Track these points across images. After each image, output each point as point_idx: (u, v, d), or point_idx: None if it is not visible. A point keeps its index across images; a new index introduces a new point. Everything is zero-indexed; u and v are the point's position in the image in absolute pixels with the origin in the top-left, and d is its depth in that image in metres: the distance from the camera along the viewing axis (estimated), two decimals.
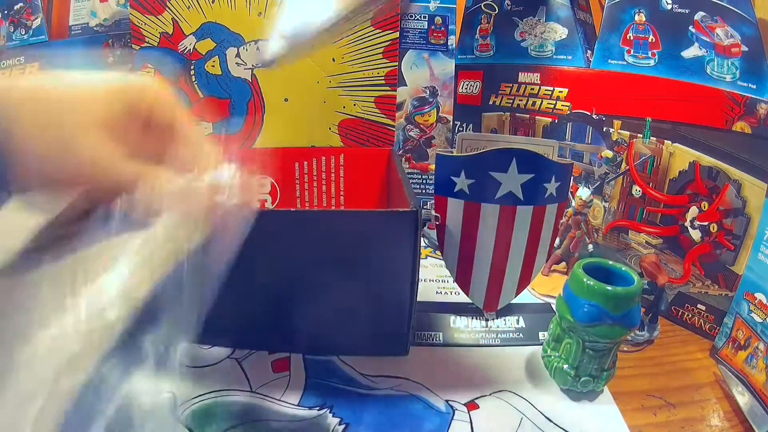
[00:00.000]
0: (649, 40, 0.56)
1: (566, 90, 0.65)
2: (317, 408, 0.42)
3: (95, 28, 0.73)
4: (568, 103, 0.65)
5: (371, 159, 0.71)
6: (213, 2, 0.63)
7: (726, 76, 0.51)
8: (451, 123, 0.78)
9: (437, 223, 0.50)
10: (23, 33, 0.64)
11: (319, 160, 0.72)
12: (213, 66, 0.66)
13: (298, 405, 0.43)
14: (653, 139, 0.57)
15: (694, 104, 0.53)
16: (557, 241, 0.65)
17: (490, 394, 0.44)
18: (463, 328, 0.52)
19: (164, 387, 0.44)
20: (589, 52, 0.63)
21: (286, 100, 0.69)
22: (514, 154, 0.45)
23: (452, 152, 0.49)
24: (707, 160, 0.52)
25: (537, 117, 0.68)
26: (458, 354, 0.50)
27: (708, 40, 0.52)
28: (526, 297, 0.58)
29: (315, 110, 0.69)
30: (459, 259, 0.51)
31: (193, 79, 0.67)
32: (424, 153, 0.80)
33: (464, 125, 0.78)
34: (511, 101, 0.71)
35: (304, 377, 0.46)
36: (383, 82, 0.67)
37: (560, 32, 0.65)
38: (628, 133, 0.59)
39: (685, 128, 0.54)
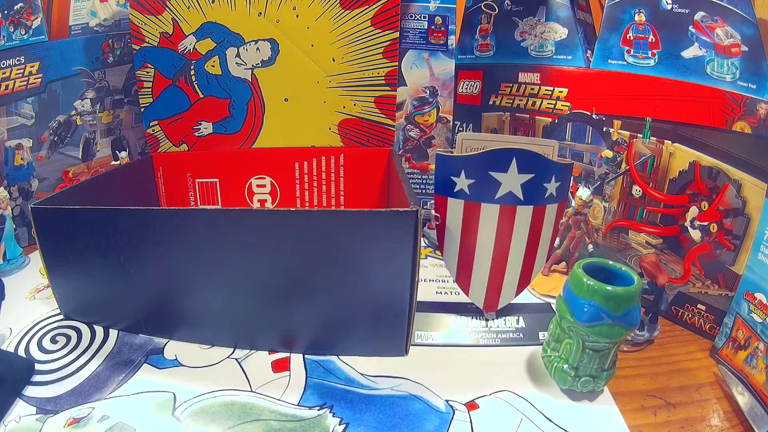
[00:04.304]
0: (649, 40, 0.56)
1: (566, 90, 0.65)
2: (317, 408, 0.42)
3: (95, 28, 0.73)
4: (568, 103, 0.65)
5: (371, 159, 0.71)
6: (213, 2, 0.63)
7: (726, 76, 0.51)
8: (451, 123, 0.78)
9: (437, 223, 0.50)
10: (23, 33, 0.64)
11: (319, 160, 0.72)
12: (213, 66, 0.66)
13: (298, 405, 0.43)
14: (653, 139, 0.57)
15: (694, 104, 0.53)
16: (557, 241, 0.65)
17: (490, 394, 0.44)
18: (463, 328, 0.52)
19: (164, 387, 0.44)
20: (589, 52, 0.63)
21: (286, 100, 0.68)
22: (514, 154, 0.45)
23: (452, 152, 0.49)
24: (707, 160, 0.52)
25: (537, 117, 0.68)
26: (458, 354, 0.50)
27: (708, 40, 0.52)
28: (526, 297, 0.58)
29: (315, 110, 0.69)
30: (459, 259, 0.51)
31: (193, 79, 0.67)
32: (424, 153, 0.80)
33: (464, 125, 0.78)
34: (511, 101, 0.71)
35: (304, 377, 0.46)
36: (383, 82, 0.67)
37: (560, 32, 0.65)
38: (628, 133, 0.59)
39: (685, 128, 0.54)
